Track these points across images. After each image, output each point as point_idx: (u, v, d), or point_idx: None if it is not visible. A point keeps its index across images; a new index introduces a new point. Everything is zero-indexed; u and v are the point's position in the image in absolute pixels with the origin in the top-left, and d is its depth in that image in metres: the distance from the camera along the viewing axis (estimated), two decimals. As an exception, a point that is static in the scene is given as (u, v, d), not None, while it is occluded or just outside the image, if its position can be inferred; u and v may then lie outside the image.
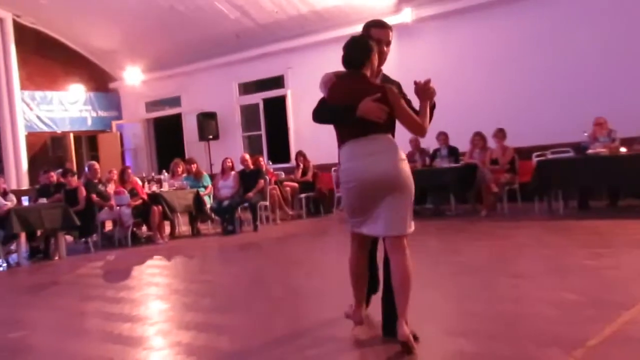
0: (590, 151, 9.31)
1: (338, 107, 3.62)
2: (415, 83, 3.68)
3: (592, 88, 10.48)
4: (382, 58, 3.91)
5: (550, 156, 10.00)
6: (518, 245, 7.27)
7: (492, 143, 10.71)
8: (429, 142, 11.23)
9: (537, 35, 11.18)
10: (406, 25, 12.46)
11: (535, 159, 9.97)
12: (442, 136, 10.99)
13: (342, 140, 3.69)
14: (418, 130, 3.65)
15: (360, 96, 3.50)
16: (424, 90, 3.68)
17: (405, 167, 3.61)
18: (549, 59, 11.05)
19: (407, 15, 12.40)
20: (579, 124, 9.83)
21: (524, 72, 11.26)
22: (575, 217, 8.97)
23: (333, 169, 12.42)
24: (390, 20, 12.68)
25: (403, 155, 3.67)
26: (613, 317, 3.84)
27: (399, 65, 12.69)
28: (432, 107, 3.80)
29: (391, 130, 3.65)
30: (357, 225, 3.80)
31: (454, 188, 10.45)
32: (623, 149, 9.02)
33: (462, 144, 11.00)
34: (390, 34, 3.96)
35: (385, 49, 3.90)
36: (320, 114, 3.75)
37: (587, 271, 5.42)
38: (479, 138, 10.71)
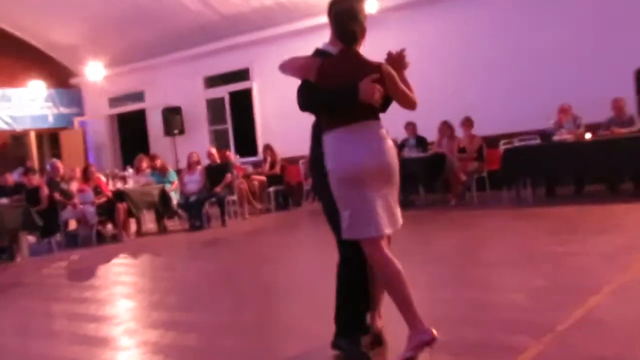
0: (556, 138, 9.42)
1: (338, 90, 3.21)
2: (389, 54, 3.42)
3: (557, 75, 10.61)
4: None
5: (517, 144, 10.10)
6: (487, 233, 7.35)
7: (459, 132, 10.80)
8: (397, 132, 11.28)
9: (502, 24, 11.29)
10: (371, 16, 12.45)
11: (502, 147, 10.07)
12: (410, 126, 11.06)
13: (330, 126, 3.29)
14: (412, 105, 3.39)
15: (358, 76, 3.16)
16: (399, 61, 3.41)
17: (393, 154, 3.38)
18: (513, 48, 11.16)
19: (372, 5, 12.41)
20: (544, 111, 9.93)
21: (489, 60, 11.35)
22: (543, 204, 9.09)
23: (301, 161, 12.43)
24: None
25: (391, 146, 3.41)
26: (580, 302, 3.89)
27: (369, 52, 12.77)
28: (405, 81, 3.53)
29: (377, 114, 3.36)
30: (382, 225, 3.26)
31: (423, 178, 10.51)
32: (588, 135, 9.13)
33: (430, 133, 11.07)
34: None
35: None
36: (314, 100, 3.31)
37: (555, 257, 5.47)
38: (446, 127, 10.79)
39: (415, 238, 7.50)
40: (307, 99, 3.31)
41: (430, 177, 10.54)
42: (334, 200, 3.32)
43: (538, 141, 9.94)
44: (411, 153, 10.81)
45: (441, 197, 10.80)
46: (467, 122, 10.62)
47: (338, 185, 3.26)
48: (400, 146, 11.17)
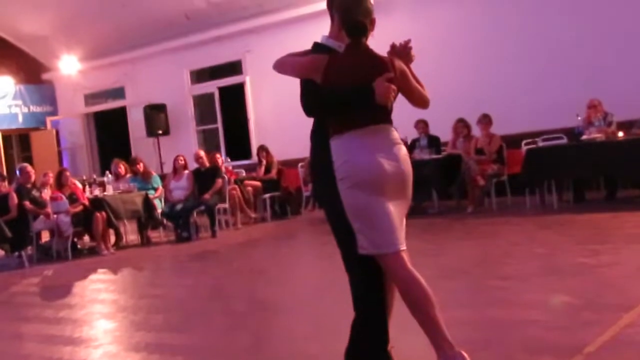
0: (584, 137, 9.43)
1: (351, 92, 3.12)
2: (392, 46, 3.35)
3: (586, 68, 10.62)
4: None
5: (541, 144, 10.10)
6: (508, 244, 7.34)
7: (476, 131, 10.82)
8: (407, 131, 11.29)
9: (523, 10, 11.31)
10: (377, 2, 12.48)
11: (524, 148, 10.06)
12: (422, 124, 11.07)
13: (339, 131, 3.18)
14: (426, 103, 3.35)
15: (371, 75, 3.08)
16: (405, 54, 3.32)
17: (410, 168, 3.29)
18: (537, 36, 11.18)
19: (378, -11, 12.46)
20: (571, 107, 9.96)
21: (510, 51, 11.38)
22: (570, 211, 9.09)
23: (300, 164, 12.44)
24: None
25: (406, 153, 3.35)
26: (612, 320, 3.90)
27: (372, 45, 12.79)
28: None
29: (390, 118, 3.28)
30: (398, 239, 3.19)
31: (436, 182, 10.51)
32: (620, 134, 9.15)
33: (444, 132, 11.09)
34: None
35: None
36: (325, 104, 3.20)
37: (584, 270, 5.49)
38: (462, 125, 10.80)
39: (428, 250, 7.50)
40: (316, 103, 3.22)
41: (444, 181, 10.55)
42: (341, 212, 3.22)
43: (565, 141, 9.96)
44: (423, 154, 10.81)
45: (457, 204, 10.80)
46: (485, 120, 10.63)
47: (352, 192, 3.13)
48: (411, 147, 11.17)
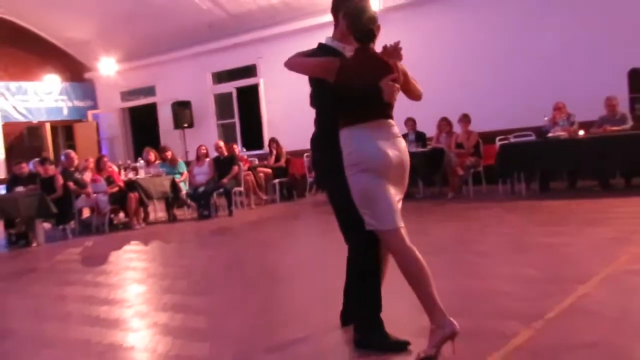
0: (550, 135, 9.43)
1: (363, 90, 3.15)
2: (384, 47, 3.27)
3: (552, 74, 10.61)
4: None
5: (512, 140, 10.11)
6: (482, 225, 7.36)
7: (457, 128, 10.81)
8: (398, 128, 11.27)
9: (501, 26, 11.27)
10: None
11: (498, 143, 10.07)
12: (410, 122, 11.06)
13: (349, 122, 3.17)
14: (420, 96, 3.42)
15: (378, 76, 3.12)
16: (394, 53, 3.27)
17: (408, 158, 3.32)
18: (511, 48, 11.15)
19: (375, 4, 12.41)
20: (539, 108, 9.95)
21: (488, 60, 11.36)
22: (536, 198, 9.10)
23: (305, 154, 12.43)
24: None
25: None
26: (569, 291, 3.92)
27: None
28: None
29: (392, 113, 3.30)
30: (399, 217, 3.18)
31: (422, 172, 10.51)
32: (581, 132, 9.14)
33: (429, 129, 11.09)
34: None
35: None
36: (338, 100, 3.19)
37: (546, 249, 5.51)
38: (445, 123, 10.80)
39: (414, 229, 7.46)
40: (330, 100, 3.23)
41: (429, 171, 10.55)
42: (348, 198, 3.21)
43: (533, 138, 9.96)
44: (411, 148, 10.70)
45: (439, 190, 10.82)
46: (465, 119, 10.64)
47: (360, 177, 3.14)
48: (401, 141, 11.20)
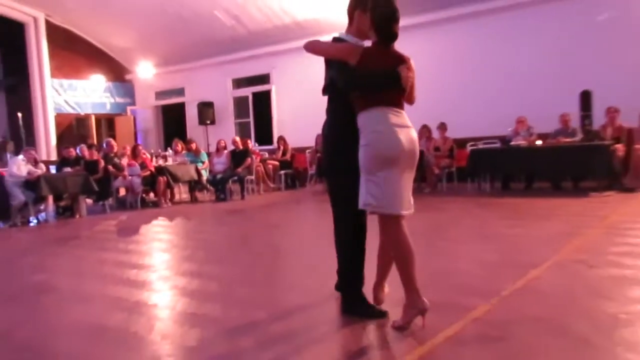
0: (512, 143, 9.45)
1: (383, 72, 2.95)
2: None
3: (516, 92, 10.63)
4: None
5: (481, 146, 10.12)
6: (452, 216, 7.37)
7: (436, 134, 10.82)
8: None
9: (474, 50, 11.28)
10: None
11: (469, 148, 10.07)
12: (396, 127, 11.04)
13: (367, 105, 2.96)
14: (413, 101, 3.17)
15: (397, 64, 2.96)
16: None
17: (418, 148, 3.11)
18: (482, 69, 11.16)
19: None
20: (504, 121, 9.98)
21: (462, 78, 11.36)
22: (498, 195, 9.10)
23: (307, 151, 12.45)
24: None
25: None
26: (523, 273, 3.93)
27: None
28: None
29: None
30: (401, 205, 2.98)
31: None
32: (539, 142, 9.16)
33: (412, 134, 11.08)
34: None
35: None
36: (357, 79, 2.96)
37: (504, 237, 5.52)
38: (425, 130, 10.80)
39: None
40: (352, 78, 2.97)
41: (410, 169, 10.55)
42: (346, 181, 3.08)
43: (498, 145, 9.96)
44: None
45: (418, 186, 10.79)
46: (442, 127, 10.66)
47: (373, 159, 2.91)
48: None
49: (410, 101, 3.12)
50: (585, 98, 9.55)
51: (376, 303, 3.26)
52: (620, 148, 8.63)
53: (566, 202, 7.83)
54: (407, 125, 3.00)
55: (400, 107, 3.02)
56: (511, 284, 3.67)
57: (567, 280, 3.80)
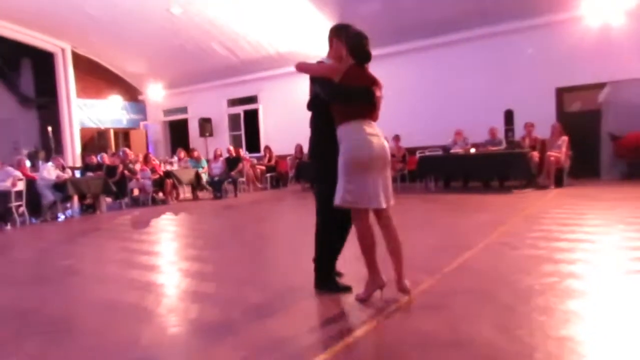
0: (452, 151, 9.54)
1: (360, 88, 2.90)
2: None
3: (455, 109, 10.76)
4: None
5: (427, 153, 10.21)
6: (404, 209, 7.38)
7: (391, 143, 10.86)
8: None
9: (422, 76, 11.38)
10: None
11: (418, 155, 10.14)
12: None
13: (346, 118, 2.91)
14: (377, 116, 3.09)
15: (372, 84, 2.93)
16: None
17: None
18: (429, 89, 11.28)
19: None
20: (446, 133, 10.09)
21: (413, 98, 11.45)
22: (441, 192, 9.19)
23: (288, 157, 12.41)
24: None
25: None
26: (459, 254, 3.98)
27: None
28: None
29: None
30: (370, 201, 2.92)
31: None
32: (472, 150, 9.26)
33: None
34: None
35: None
36: (339, 91, 2.92)
37: (445, 226, 5.57)
38: (383, 140, 10.84)
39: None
40: (332, 90, 2.93)
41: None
42: (326, 183, 3.02)
43: (440, 152, 10.06)
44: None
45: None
46: (397, 138, 10.70)
47: (349, 167, 2.86)
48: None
49: (375, 118, 3.05)
50: (509, 115, 9.74)
51: (403, 292, 2.99)
52: (535, 155, 8.80)
53: (494, 197, 7.95)
54: (378, 134, 2.96)
55: (373, 119, 2.98)
56: (450, 263, 3.71)
57: (494, 259, 3.85)
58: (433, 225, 5.71)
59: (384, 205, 2.96)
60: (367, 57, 2.98)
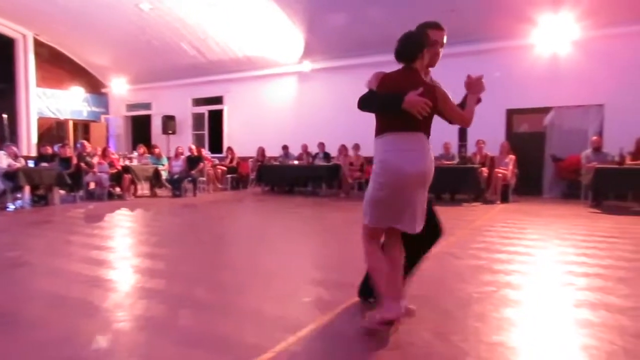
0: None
1: (386, 95, 2.48)
2: (469, 77, 2.68)
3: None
4: (435, 60, 2.69)
5: (385, 163, 10.36)
6: (358, 217, 7.47)
7: (351, 152, 10.98)
8: (311, 148, 11.37)
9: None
10: (306, 74, 12.51)
11: (376, 164, 10.29)
12: (321, 145, 11.18)
13: (381, 131, 2.54)
14: (464, 122, 2.59)
15: (407, 89, 2.43)
16: (475, 85, 2.67)
17: (432, 167, 2.55)
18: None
19: (306, 66, 12.45)
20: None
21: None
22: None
23: (250, 160, 12.32)
24: (293, 69, 12.79)
25: (432, 156, 2.58)
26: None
27: (300, 100, 12.80)
28: (477, 101, 2.73)
29: (427, 130, 2.55)
30: (387, 221, 2.51)
31: (325, 178, 10.64)
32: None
33: (333, 150, 11.23)
34: (445, 36, 2.70)
35: (439, 50, 2.69)
36: (367, 101, 2.53)
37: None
38: (343, 148, 10.95)
39: (317, 215, 7.58)
40: (361, 99, 2.56)
41: (330, 178, 10.68)
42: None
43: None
44: (320, 162, 10.90)
45: (336, 192, 10.95)
46: (356, 147, 10.82)
47: (377, 186, 2.50)
48: (314, 157, 11.27)
49: (463, 124, 2.62)
50: (462, 132, 10.06)
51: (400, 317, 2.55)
52: (485, 170, 9.12)
53: (445, 209, 8.14)
54: (414, 149, 2.47)
55: (415, 129, 2.48)
56: (398, 269, 3.77)
57: (439, 268, 3.94)
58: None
59: (405, 229, 2.50)
60: (400, 54, 2.56)
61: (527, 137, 10.38)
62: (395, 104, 2.41)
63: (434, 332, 2.53)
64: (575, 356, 2.26)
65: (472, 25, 9.83)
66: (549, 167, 9.92)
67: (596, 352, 2.29)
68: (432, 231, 2.72)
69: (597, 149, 8.67)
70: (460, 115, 2.58)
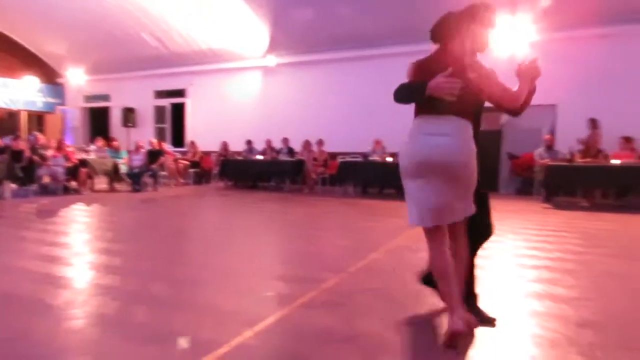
0: (370, 158, 9.87)
1: (409, 85, 2.27)
2: (521, 62, 2.28)
3: (377, 121, 11.09)
4: (480, 42, 2.37)
5: (347, 159, 10.45)
6: (323, 211, 7.54)
7: (315, 147, 11.02)
8: (275, 143, 11.34)
9: (348, 87, 11.65)
10: (271, 68, 12.44)
11: (339, 160, 10.34)
12: (285, 140, 11.16)
13: (415, 113, 2.34)
14: (510, 101, 2.23)
15: (437, 72, 2.19)
16: (528, 70, 2.25)
17: (468, 154, 2.23)
18: (353, 102, 11.57)
19: (271, 60, 12.37)
20: (366, 141, 10.41)
21: (338, 105, 11.71)
22: (359, 197, 9.46)
23: (213, 154, 12.17)
24: (258, 63, 12.68)
25: (472, 145, 2.26)
26: (365, 255, 4.13)
27: (265, 95, 12.71)
28: (532, 91, 2.37)
29: (467, 115, 2.26)
30: (438, 217, 2.25)
31: (289, 173, 10.64)
32: (389, 159, 9.62)
33: (297, 145, 11.23)
34: (494, 17, 2.36)
35: (486, 32, 2.37)
36: (396, 94, 2.28)
37: (359, 229, 5.73)
38: (307, 143, 10.98)
39: (280, 210, 7.58)
40: (394, 94, 2.31)
41: (294, 173, 10.68)
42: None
43: (360, 159, 10.35)
44: (284, 157, 10.89)
45: (299, 187, 10.97)
46: (320, 142, 10.88)
47: (401, 172, 2.35)
48: (277, 152, 11.24)
49: (509, 105, 2.27)
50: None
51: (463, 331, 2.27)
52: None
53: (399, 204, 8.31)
54: (445, 133, 2.22)
55: (447, 112, 2.23)
56: (356, 263, 3.84)
57: (395, 260, 4.04)
58: (347, 228, 5.84)
59: (440, 222, 2.26)
60: (431, 37, 2.39)
61: (485, 135, 10.60)
62: (419, 92, 2.20)
63: (386, 322, 2.60)
64: (521, 344, 2.38)
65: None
66: (505, 164, 10.27)
67: (540, 341, 2.41)
68: (482, 231, 2.58)
69: (550, 147, 9.05)
70: (503, 93, 2.23)
